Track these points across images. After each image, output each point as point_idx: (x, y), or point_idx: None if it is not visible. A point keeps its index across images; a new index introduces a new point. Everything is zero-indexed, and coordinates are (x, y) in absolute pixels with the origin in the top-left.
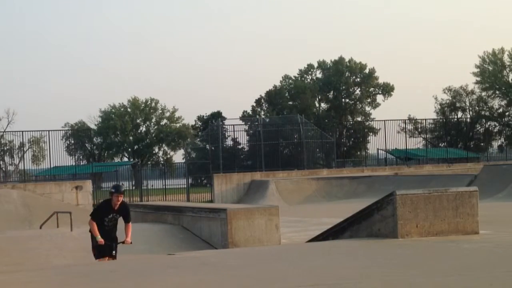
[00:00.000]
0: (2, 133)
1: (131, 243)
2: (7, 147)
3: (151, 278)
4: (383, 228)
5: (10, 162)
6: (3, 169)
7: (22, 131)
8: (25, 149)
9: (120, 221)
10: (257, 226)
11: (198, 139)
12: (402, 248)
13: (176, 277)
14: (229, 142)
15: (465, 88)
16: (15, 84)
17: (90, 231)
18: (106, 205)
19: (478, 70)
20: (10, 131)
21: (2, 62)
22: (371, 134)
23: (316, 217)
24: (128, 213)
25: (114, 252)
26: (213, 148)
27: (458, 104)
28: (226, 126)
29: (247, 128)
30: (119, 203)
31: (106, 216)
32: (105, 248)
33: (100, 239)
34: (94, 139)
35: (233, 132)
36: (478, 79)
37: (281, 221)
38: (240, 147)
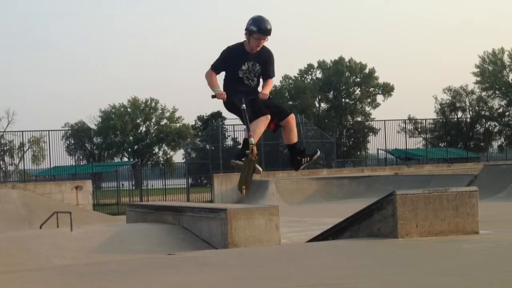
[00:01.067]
0: (2, 133)
1: (269, 97)
2: (7, 147)
3: (151, 278)
4: (383, 228)
5: (10, 162)
6: (3, 169)
7: (22, 131)
8: (25, 149)
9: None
10: (257, 226)
11: (198, 139)
12: (402, 248)
13: (176, 277)
14: (229, 142)
15: (465, 88)
16: (15, 84)
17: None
18: (236, 49)
19: (478, 70)
20: (10, 131)
21: (2, 62)
22: (371, 134)
23: (316, 217)
24: (272, 63)
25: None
26: (213, 148)
27: (458, 104)
28: (226, 126)
29: None
30: (258, 48)
31: (239, 66)
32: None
33: (219, 91)
34: (94, 139)
35: (233, 132)
36: (478, 79)
37: (281, 221)
38: (240, 147)
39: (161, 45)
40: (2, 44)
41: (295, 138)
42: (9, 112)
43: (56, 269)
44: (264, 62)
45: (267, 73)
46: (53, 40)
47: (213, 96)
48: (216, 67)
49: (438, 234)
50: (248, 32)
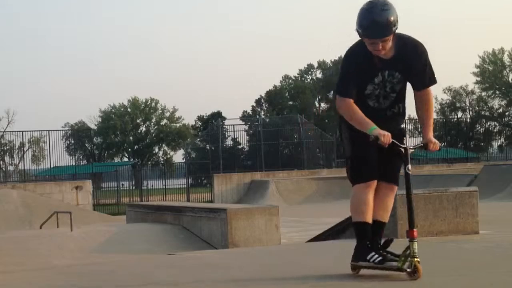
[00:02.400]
0: (2, 133)
1: (440, 148)
2: (7, 147)
3: (151, 278)
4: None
5: (10, 162)
6: (3, 169)
7: (22, 131)
8: (25, 149)
9: None
10: (257, 226)
11: (198, 139)
12: (402, 248)
13: (176, 277)
14: (229, 142)
15: (465, 88)
16: (15, 84)
17: (343, 130)
18: (360, 55)
19: (478, 70)
20: (10, 131)
21: (2, 62)
22: None
23: (316, 217)
24: (425, 64)
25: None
26: (213, 148)
27: (458, 104)
28: (226, 126)
29: (247, 128)
30: (384, 52)
31: (370, 81)
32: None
33: (380, 132)
34: (94, 139)
35: (233, 132)
36: (478, 79)
37: (281, 221)
38: (240, 147)
39: (161, 45)
40: (1, 44)
41: (387, 217)
42: (9, 112)
43: (56, 269)
44: (406, 67)
45: (418, 82)
46: (52, 40)
47: (375, 139)
48: (350, 92)
49: (438, 234)
50: (361, 34)
